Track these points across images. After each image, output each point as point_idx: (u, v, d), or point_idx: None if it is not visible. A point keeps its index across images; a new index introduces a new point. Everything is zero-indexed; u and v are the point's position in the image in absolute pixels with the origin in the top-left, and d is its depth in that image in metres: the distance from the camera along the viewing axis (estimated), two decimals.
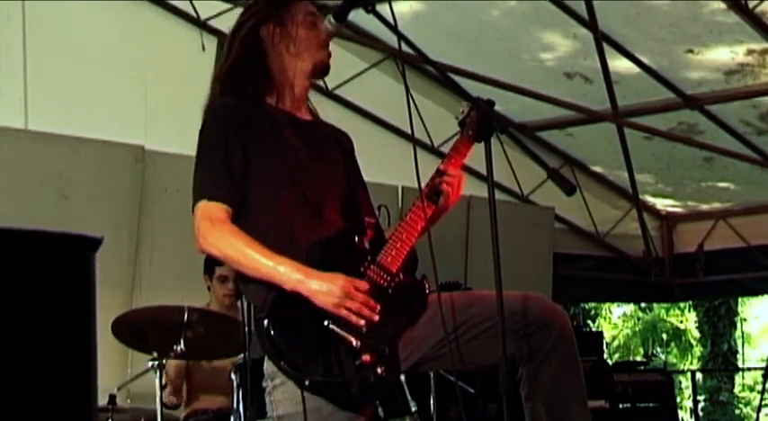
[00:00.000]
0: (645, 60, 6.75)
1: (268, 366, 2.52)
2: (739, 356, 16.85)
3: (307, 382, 2.40)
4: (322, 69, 2.79)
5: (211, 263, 4.77)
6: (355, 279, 2.51)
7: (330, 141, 2.80)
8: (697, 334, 17.78)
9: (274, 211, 2.59)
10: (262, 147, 2.62)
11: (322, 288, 2.46)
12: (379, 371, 2.47)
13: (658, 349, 19.01)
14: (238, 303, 4.57)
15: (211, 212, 2.54)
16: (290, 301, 2.47)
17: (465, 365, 2.64)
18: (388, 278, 2.57)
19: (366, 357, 2.46)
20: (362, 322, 2.47)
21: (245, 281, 2.60)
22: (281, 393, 2.49)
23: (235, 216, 2.57)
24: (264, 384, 2.55)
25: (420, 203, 2.66)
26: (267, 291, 2.50)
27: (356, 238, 2.61)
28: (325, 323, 2.46)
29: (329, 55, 2.78)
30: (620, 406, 7.45)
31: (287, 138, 2.64)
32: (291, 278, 2.47)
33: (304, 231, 2.58)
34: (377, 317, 2.49)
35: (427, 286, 2.63)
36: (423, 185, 2.67)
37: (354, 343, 2.46)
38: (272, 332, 2.44)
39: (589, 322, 17.98)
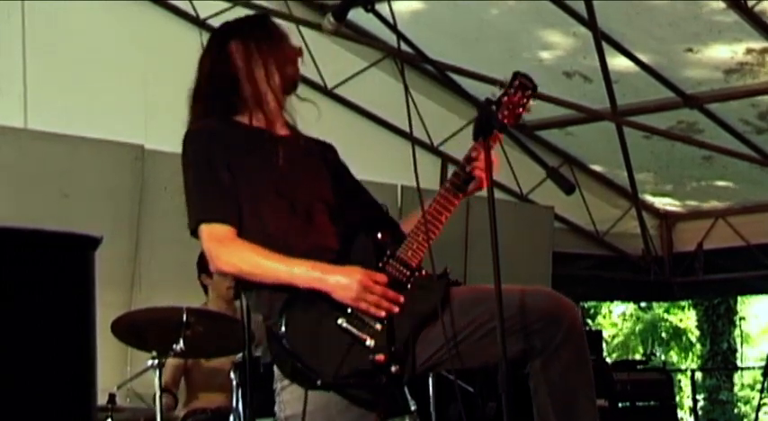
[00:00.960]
0: (644, 59, 6.75)
1: (276, 368, 2.53)
2: (739, 355, 16.84)
3: (318, 383, 2.40)
4: (292, 84, 2.80)
5: (206, 262, 4.76)
6: (374, 272, 2.52)
7: (310, 153, 2.80)
8: (697, 333, 17.78)
9: (265, 221, 2.60)
10: (243, 164, 2.64)
11: (340, 282, 2.47)
12: (393, 369, 2.46)
13: (658, 348, 19.00)
14: (237, 303, 4.59)
15: (216, 233, 2.57)
16: (301, 303, 2.47)
17: (475, 364, 2.62)
18: (408, 273, 2.56)
19: (380, 356, 2.45)
20: (383, 313, 2.47)
21: (248, 289, 2.62)
22: (289, 394, 2.51)
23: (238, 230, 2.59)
24: (275, 386, 2.56)
25: (444, 195, 2.63)
26: (272, 297, 2.52)
27: (379, 234, 2.61)
28: (339, 321, 2.46)
29: (297, 70, 2.80)
30: (620, 405, 7.45)
31: (265, 154, 2.66)
32: (310, 277, 2.48)
33: (298, 237, 2.60)
34: (397, 309, 2.49)
35: (449, 279, 2.60)
36: (423, 185, 2.66)
37: (369, 342, 2.46)
38: (285, 335, 2.44)
39: (589, 321, 17.97)
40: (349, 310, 2.48)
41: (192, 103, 2.81)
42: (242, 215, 2.60)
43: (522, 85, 2.69)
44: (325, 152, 2.88)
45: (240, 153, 2.65)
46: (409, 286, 2.56)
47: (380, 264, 2.56)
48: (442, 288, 2.60)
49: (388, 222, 2.70)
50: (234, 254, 2.54)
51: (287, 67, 2.77)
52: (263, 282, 2.54)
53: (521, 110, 2.70)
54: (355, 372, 2.43)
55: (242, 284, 2.65)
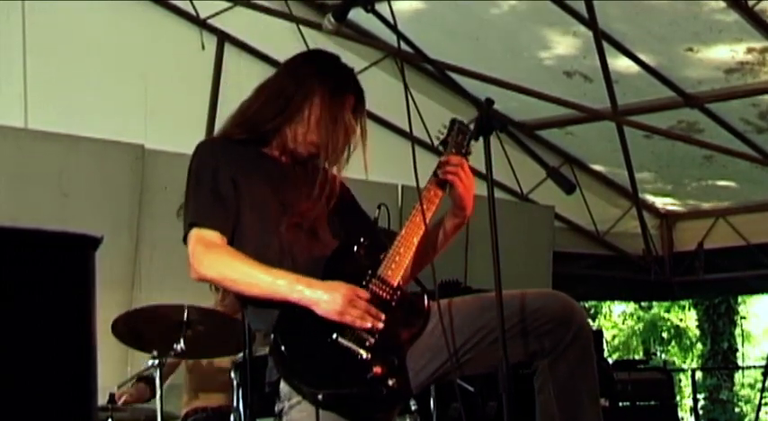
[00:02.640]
0: (645, 59, 6.75)
1: (283, 386, 2.49)
2: (739, 354, 16.83)
3: (320, 397, 2.37)
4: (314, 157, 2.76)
5: None
6: (357, 287, 2.50)
7: (311, 170, 2.76)
8: (697, 332, 17.78)
9: (271, 236, 2.59)
10: (251, 180, 2.63)
11: (323, 297, 2.45)
12: (390, 383, 2.44)
13: (658, 348, 19.00)
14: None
15: (206, 238, 2.55)
16: (295, 319, 2.46)
17: (487, 368, 2.62)
18: (390, 291, 2.56)
19: (377, 369, 2.43)
20: (368, 325, 2.46)
21: (245, 305, 2.62)
22: (298, 412, 2.46)
23: (230, 243, 2.57)
24: (280, 406, 2.52)
25: (416, 214, 2.64)
26: (269, 313, 2.50)
27: (355, 249, 2.61)
28: (334, 336, 2.45)
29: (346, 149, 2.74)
30: (620, 404, 7.44)
31: (272, 173, 2.66)
32: (292, 290, 2.46)
33: (304, 252, 2.59)
34: (381, 325, 2.48)
35: (426, 302, 2.61)
36: (422, 184, 2.67)
37: (364, 355, 2.44)
38: (282, 351, 2.42)
39: (589, 321, 17.95)
40: (342, 325, 2.47)
41: (239, 121, 2.72)
42: (249, 225, 2.59)
43: (461, 129, 2.78)
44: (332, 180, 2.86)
45: (248, 169, 2.64)
46: (393, 304, 2.55)
47: (363, 283, 2.55)
48: (423, 308, 2.60)
49: (370, 245, 2.68)
50: (219, 260, 2.51)
51: (334, 150, 2.70)
52: (246, 293, 2.52)
53: (464, 151, 2.76)
54: (353, 386, 2.40)
55: (240, 301, 2.64)
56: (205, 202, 2.60)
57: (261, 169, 2.66)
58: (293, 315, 2.46)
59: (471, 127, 2.66)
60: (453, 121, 2.80)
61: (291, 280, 2.47)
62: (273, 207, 2.62)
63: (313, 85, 2.70)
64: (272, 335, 2.44)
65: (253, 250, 2.55)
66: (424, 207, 2.65)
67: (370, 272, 2.57)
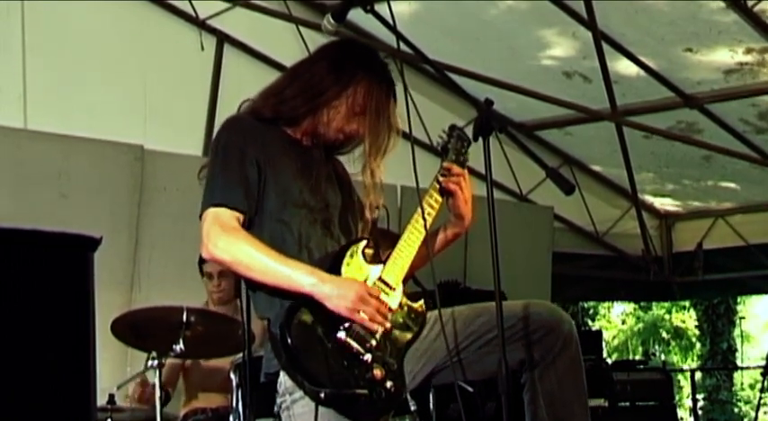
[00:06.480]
0: (644, 59, 6.75)
1: (285, 380, 2.49)
2: (738, 355, 16.85)
3: (322, 395, 2.37)
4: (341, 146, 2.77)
5: (200, 261, 4.74)
6: (369, 286, 2.52)
7: (329, 165, 2.78)
8: (697, 332, 17.80)
9: (289, 229, 2.58)
10: (276, 166, 2.61)
11: (335, 292, 2.45)
12: (388, 385, 2.46)
13: (657, 348, 19.01)
14: (237, 301, 4.58)
15: (222, 218, 2.51)
16: (303, 313, 2.45)
17: (476, 375, 2.65)
18: (392, 294, 2.57)
19: (377, 372, 2.45)
20: (376, 327, 2.47)
21: (254, 290, 2.60)
22: (301, 406, 2.46)
23: (247, 228, 2.55)
24: (282, 399, 2.52)
25: (417, 219, 2.65)
26: (279, 303, 2.49)
27: (361, 250, 2.61)
28: (339, 334, 2.45)
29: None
30: (620, 404, 7.45)
31: (296, 162, 2.65)
32: (305, 282, 2.45)
33: (320, 246, 2.60)
34: (389, 325, 2.50)
35: (423, 306, 2.63)
36: (422, 186, 2.67)
37: (366, 356, 2.45)
38: (288, 343, 2.41)
39: (588, 321, 17.98)
40: (347, 324, 2.46)
41: (271, 102, 2.70)
42: (268, 215, 2.58)
43: (460, 136, 2.80)
44: (335, 165, 2.85)
45: (275, 154, 2.62)
46: (394, 307, 2.57)
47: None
48: (420, 312, 2.63)
49: (372, 244, 2.68)
50: (234, 243, 2.48)
51: (379, 135, 2.70)
52: (258, 281, 2.51)
53: (462, 158, 2.78)
54: (354, 387, 2.41)
55: (249, 284, 2.62)
56: (228, 182, 2.56)
57: (286, 155, 2.65)
58: (302, 308, 2.46)
59: (469, 134, 2.67)
60: (452, 127, 2.81)
61: (307, 272, 2.47)
62: (295, 196, 2.61)
63: (356, 76, 2.68)
64: (279, 327, 2.43)
65: (270, 239, 2.54)
66: (425, 212, 2.66)
67: (374, 274, 2.58)
